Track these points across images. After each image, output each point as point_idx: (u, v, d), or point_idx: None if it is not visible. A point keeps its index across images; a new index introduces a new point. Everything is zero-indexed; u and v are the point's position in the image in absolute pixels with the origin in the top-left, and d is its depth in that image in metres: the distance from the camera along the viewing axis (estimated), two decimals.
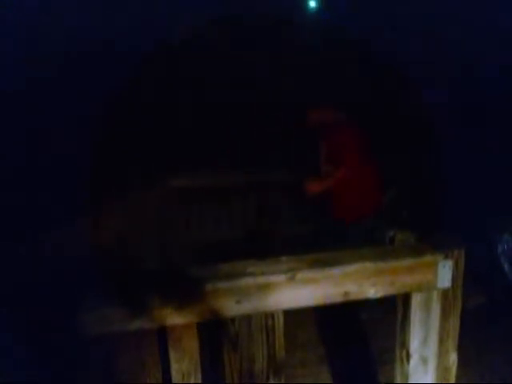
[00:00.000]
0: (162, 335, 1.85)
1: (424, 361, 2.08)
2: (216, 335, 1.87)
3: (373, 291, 1.91)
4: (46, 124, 5.14)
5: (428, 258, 1.95)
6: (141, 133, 5.84)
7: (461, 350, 2.15)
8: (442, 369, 2.12)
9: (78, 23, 6.03)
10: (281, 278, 1.79)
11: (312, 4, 9.34)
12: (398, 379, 2.16)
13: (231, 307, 1.78)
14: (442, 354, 2.10)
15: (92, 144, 4.88)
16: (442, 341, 2.08)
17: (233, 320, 1.81)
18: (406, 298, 2.03)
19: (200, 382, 1.89)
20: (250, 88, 6.96)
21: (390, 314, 2.25)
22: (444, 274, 1.96)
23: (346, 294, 1.89)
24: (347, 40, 7.10)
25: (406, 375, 2.10)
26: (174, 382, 1.86)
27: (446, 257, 1.96)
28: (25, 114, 5.05)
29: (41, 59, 5.49)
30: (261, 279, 1.78)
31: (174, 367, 1.86)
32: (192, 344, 1.85)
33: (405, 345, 2.08)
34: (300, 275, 1.81)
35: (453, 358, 2.12)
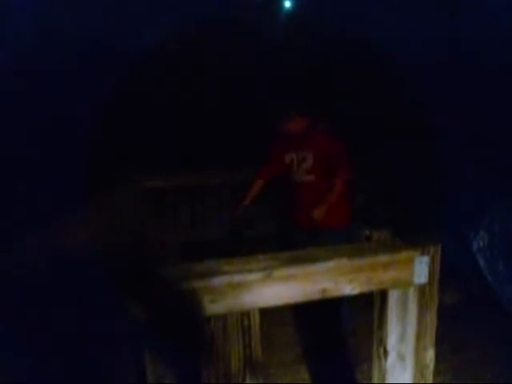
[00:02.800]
0: (136, 336, 1.82)
1: (401, 358, 2.08)
2: (191, 335, 1.84)
3: (350, 288, 1.90)
4: (41, 124, 5.09)
5: (404, 255, 1.94)
6: (119, 134, 5.80)
7: (437, 346, 2.15)
8: (419, 365, 2.11)
9: (77, 24, 5.98)
10: (257, 276, 1.76)
11: (287, 4, 9.35)
12: (376, 376, 2.15)
13: (206, 307, 1.75)
14: (419, 350, 2.09)
15: (81, 144, 4.84)
16: (419, 337, 2.08)
17: (208, 319, 1.78)
18: (382, 295, 2.02)
19: (175, 383, 1.86)
20: (230, 89, 6.96)
21: (368, 310, 2.23)
22: (420, 270, 1.96)
23: (323, 291, 1.87)
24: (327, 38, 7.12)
25: (383, 372, 2.09)
26: (148, 383, 1.83)
27: (423, 253, 1.95)
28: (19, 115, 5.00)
29: (40, 59, 5.44)
30: (236, 278, 1.75)
31: (149, 368, 1.83)
32: (167, 345, 1.82)
33: (382, 342, 2.07)
34: (276, 273, 1.78)
35: (430, 354, 2.12)
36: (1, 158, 4.35)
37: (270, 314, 1.91)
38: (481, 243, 4.46)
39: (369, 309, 2.16)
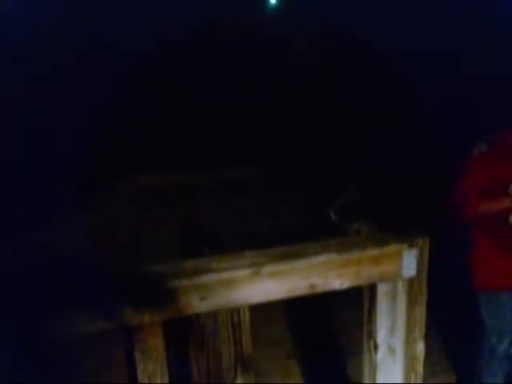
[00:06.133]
0: (127, 335, 1.81)
1: (392, 350, 2.09)
2: (182, 333, 1.84)
3: (338, 283, 1.90)
4: (41, 125, 5.07)
5: (392, 248, 1.94)
6: (114, 131, 5.80)
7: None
8: (409, 358, 2.12)
9: (77, 24, 5.97)
10: (245, 272, 1.77)
11: (272, 0, 9.37)
12: (367, 370, 2.16)
13: (196, 304, 1.75)
14: (409, 343, 2.10)
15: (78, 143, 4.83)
16: (409, 330, 2.08)
17: (198, 317, 1.78)
18: (371, 289, 2.03)
19: (167, 382, 1.85)
20: (225, 87, 6.97)
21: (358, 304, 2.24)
22: (409, 263, 1.96)
23: (311, 286, 1.88)
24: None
25: (374, 365, 2.10)
26: (139, 382, 1.82)
27: (411, 246, 1.96)
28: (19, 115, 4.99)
29: (40, 59, 5.43)
30: (225, 275, 1.75)
31: (140, 368, 1.82)
32: (157, 343, 1.81)
33: (372, 335, 2.08)
34: (265, 269, 1.78)
35: (420, 346, 2.13)
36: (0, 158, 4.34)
37: (259, 310, 1.91)
38: None
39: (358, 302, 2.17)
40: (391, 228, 2.12)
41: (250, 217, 5.32)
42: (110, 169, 4.90)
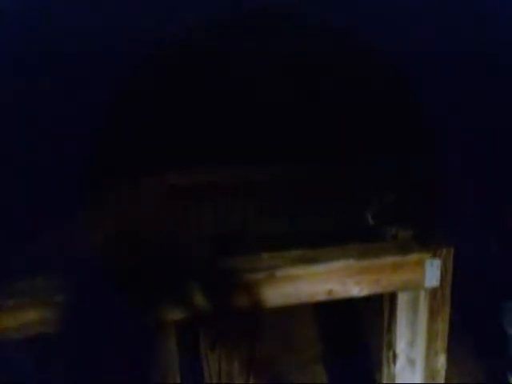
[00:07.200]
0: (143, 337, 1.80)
1: (411, 362, 2.03)
2: (194, 335, 1.82)
3: (357, 290, 1.86)
4: (45, 123, 5.13)
5: (415, 256, 1.88)
6: (137, 129, 5.81)
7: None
8: (430, 371, 2.06)
9: (76, 23, 6.03)
10: (260, 275, 1.74)
11: None
12: (385, 380, 2.11)
13: (209, 305, 1.73)
14: (430, 355, 2.04)
15: (90, 140, 4.85)
16: (430, 342, 2.02)
17: (210, 318, 1.76)
18: (392, 297, 1.97)
19: (178, 382, 1.85)
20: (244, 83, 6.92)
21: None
22: (432, 272, 1.90)
23: (329, 292, 1.83)
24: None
25: (392, 376, 2.05)
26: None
27: (434, 255, 1.89)
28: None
29: (40, 59, 5.50)
30: (239, 277, 1.72)
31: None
32: (170, 344, 1.80)
33: (391, 345, 2.02)
34: (280, 273, 1.75)
35: (441, 360, 2.06)
36: (3, 159, 4.40)
37: (287, 314, 1.88)
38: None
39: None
40: (425, 234, 2.05)
41: (278, 218, 5.28)
42: (132, 169, 4.91)
